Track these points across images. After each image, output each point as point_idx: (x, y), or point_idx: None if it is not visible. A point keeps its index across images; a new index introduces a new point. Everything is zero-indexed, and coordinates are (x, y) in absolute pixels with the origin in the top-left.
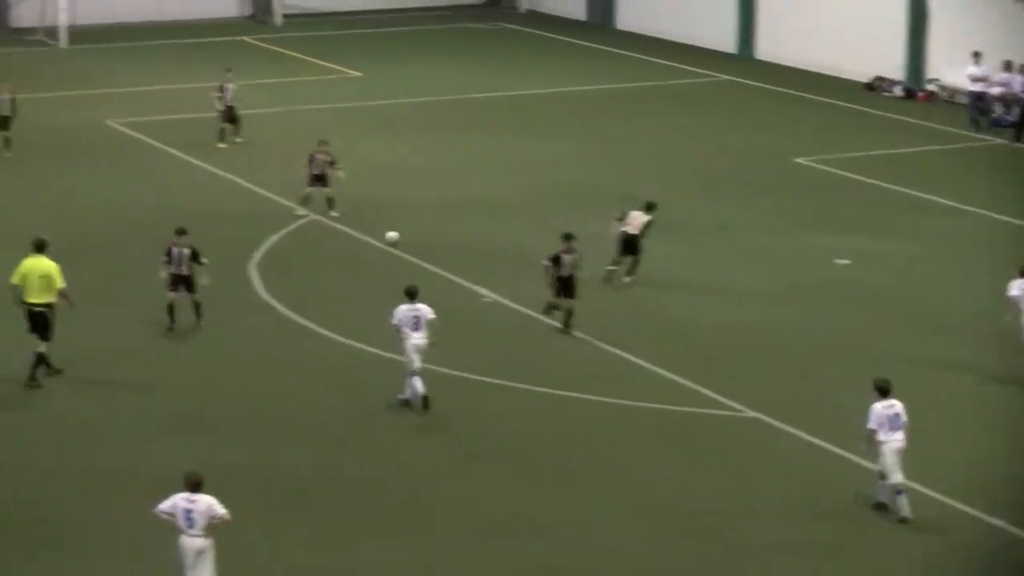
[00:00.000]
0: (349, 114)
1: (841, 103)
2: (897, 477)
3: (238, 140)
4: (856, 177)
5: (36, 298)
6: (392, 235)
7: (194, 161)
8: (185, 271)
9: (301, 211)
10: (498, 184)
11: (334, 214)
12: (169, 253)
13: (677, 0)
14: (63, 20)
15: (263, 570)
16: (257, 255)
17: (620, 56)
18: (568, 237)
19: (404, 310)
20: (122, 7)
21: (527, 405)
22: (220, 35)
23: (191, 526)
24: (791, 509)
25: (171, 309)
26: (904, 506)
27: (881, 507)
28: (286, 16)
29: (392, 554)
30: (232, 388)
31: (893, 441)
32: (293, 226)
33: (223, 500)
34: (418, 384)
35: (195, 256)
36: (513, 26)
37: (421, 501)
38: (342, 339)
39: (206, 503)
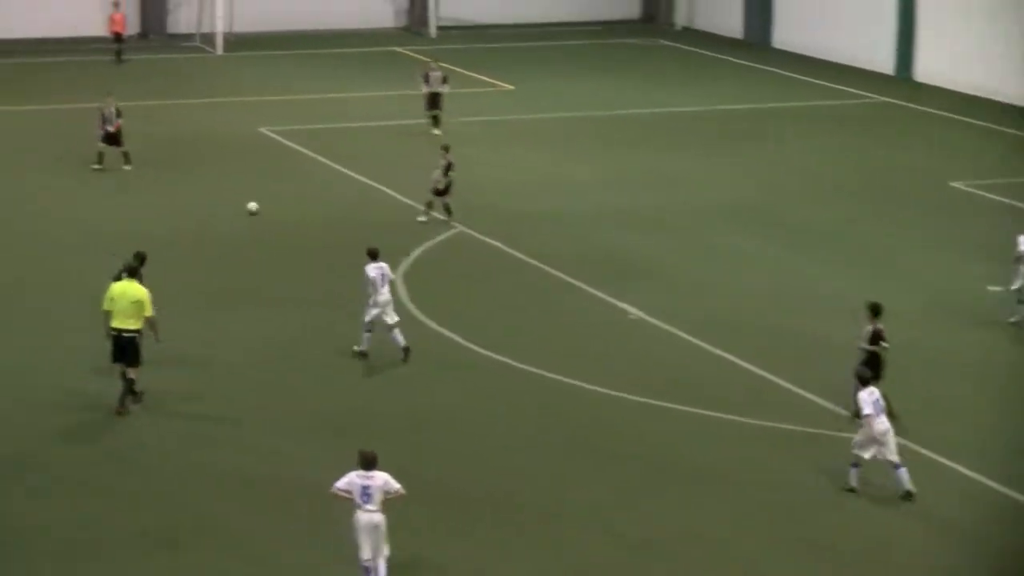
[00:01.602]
0: (501, 127)
1: (1000, 127)
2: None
3: (436, 132)
4: (1013, 203)
5: (124, 323)
6: (252, 205)
7: (344, 170)
8: None
9: (423, 217)
10: (650, 199)
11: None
12: None
13: (835, 19)
14: (220, 27)
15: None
16: (404, 265)
17: (776, 75)
18: (875, 311)
19: (371, 268)
20: (279, 16)
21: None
22: (375, 45)
23: (367, 501)
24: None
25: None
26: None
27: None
28: (441, 28)
29: (522, 564)
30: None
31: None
32: (441, 237)
33: None
34: (396, 337)
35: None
36: (668, 43)
37: (552, 510)
38: (485, 352)
39: (382, 478)
